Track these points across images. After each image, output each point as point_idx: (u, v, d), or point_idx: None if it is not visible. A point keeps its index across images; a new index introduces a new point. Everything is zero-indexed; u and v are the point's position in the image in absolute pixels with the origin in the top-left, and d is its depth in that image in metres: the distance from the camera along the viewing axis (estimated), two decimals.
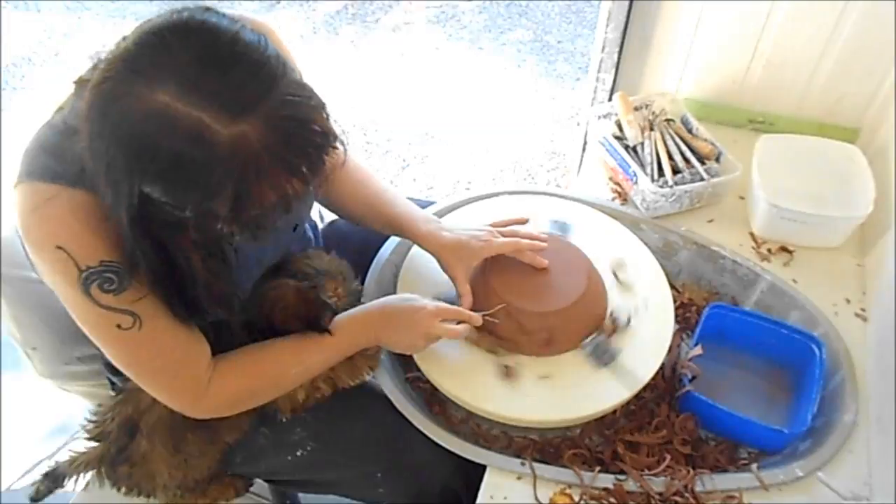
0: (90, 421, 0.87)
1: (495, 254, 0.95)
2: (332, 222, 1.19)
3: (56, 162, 0.69)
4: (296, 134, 0.63)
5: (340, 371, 0.90)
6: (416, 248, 1.05)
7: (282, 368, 0.84)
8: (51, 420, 1.61)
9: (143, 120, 0.59)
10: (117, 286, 0.70)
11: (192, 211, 0.63)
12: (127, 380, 0.93)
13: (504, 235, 0.97)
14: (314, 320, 0.83)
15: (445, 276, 0.99)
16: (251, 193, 0.63)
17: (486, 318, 0.90)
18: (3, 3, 3.19)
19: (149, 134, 0.59)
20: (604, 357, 0.92)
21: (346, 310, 0.89)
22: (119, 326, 0.71)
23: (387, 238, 1.10)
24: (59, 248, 0.68)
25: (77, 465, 0.85)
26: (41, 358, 1.00)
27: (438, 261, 0.98)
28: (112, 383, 0.99)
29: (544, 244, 0.97)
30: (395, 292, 1.00)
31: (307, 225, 1.05)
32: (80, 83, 0.73)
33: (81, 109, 0.64)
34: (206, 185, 0.61)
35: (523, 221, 1.03)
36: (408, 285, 1.01)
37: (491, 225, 1.00)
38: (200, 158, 0.60)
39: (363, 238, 1.10)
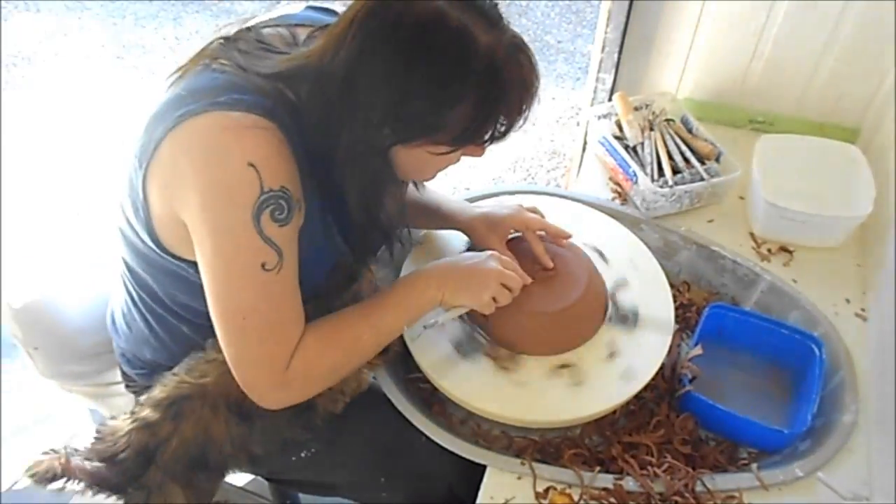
0: (97, 439, 0.85)
1: (524, 226, 0.96)
2: None
3: (247, 95, 0.71)
4: (529, 62, 0.74)
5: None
6: (416, 249, 1.05)
7: (357, 336, 0.82)
8: (51, 420, 1.61)
9: (417, 21, 0.67)
10: (286, 216, 0.71)
11: (434, 118, 0.70)
12: (146, 375, 0.94)
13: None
14: None
15: None
16: (491, 105, 0.72)
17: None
18: (3, 2, 3.19)
19: (421, 34, 0.67)
20: (627, 321, 0.94)
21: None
22: (263, 266, 0.72)
23: None
24: (252, 165, 0.68)
25: (87, 481, 0.83)
26: (43, 358, 1.00)
27: (471, 236, 0.99)
28: (125, 376, 0.99)
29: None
30: None
31: None
32: (228, 40, 0.78)
33: (334, 28, 0.71)
34: (459, 85, 0.69)
35: (565, 236, 1.00)
36: None
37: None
38: (462, 58, 0.68)
39: None
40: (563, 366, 0.91)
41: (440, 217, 1.01)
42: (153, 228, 0.77)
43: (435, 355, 0.91)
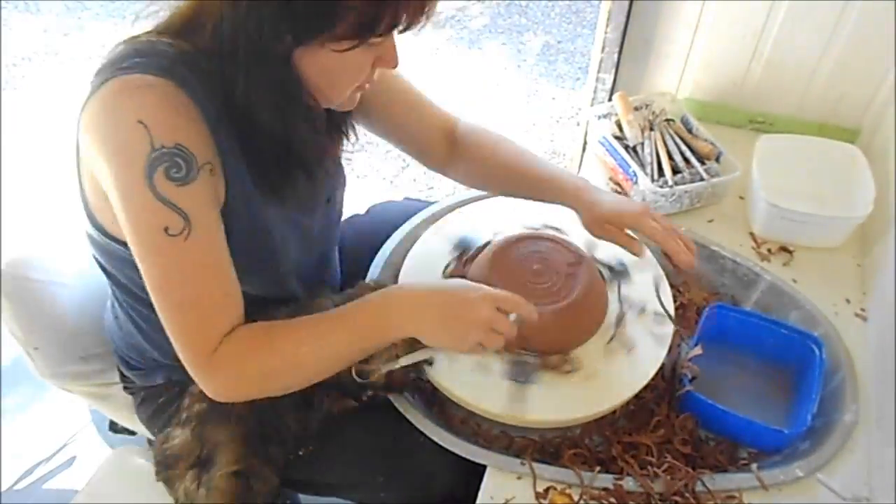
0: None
1: (649, 232, 0.88)
2: (347, 219, 1.18)
3: (146, 59, 0.70)
4: None
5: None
6: (416, 248, 1.05)
7: (296, 345, 0.76)
8: (50, 420, 1.61)
9: None
10: (184, 174, 0.68)
11: (326, 7, 0.65)
12: (143, 375, 0.94)
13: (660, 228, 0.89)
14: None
15: (445, 279, 0.99)
16: None
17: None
18: (3, 3, 3.19)
19: None
20: (622, 274, 0.98)
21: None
22: (166, 230, 0.69)
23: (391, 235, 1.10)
24: (140, 122, 0.66)
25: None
26: (43, 358, 0.99)
27: (577, 212, 0.94)
28: (123, 377, 0.99)
29: (692, 250, 0.90)
30: None
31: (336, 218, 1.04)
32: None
33: None
34: None
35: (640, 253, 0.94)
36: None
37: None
38: None
39: (370, 237, 1.10)
40: (610, 340, 0.93)
41: (556, 195, 0.95)
42: (92, 213, 0.78)
43: (503, 398, 0.88)
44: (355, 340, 0.77)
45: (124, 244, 0.76)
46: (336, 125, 0.89)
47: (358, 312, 0.78)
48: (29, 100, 2.71)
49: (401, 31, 0.72)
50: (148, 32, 0.74)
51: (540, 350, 0.92)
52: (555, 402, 0.88)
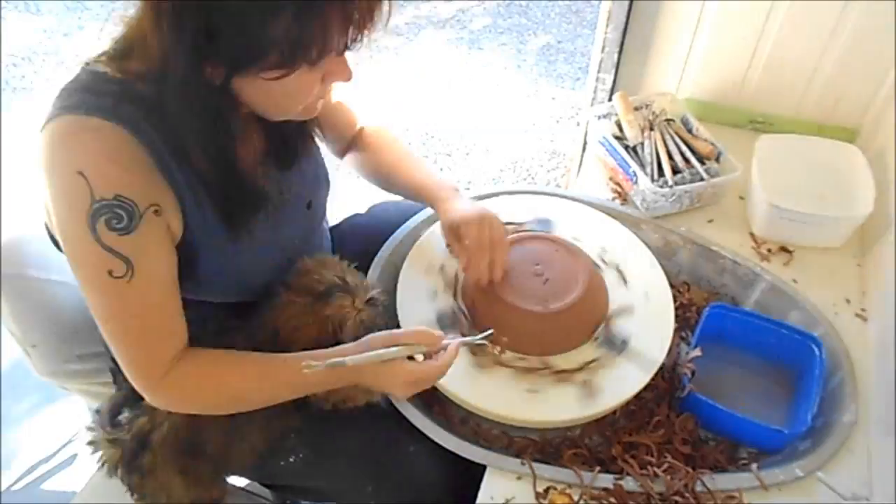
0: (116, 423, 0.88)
1: (476, 244, 0.92)
2: (339, 223, 1.19)
3: (92, 97, 0.69)
4: None
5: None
6: (415, 249, 1.05)
7: (243, 389, 0.81)
8: (51, 420, 1.60)
9: None
10: (125, 225, 0.69)
11: (252, 39, 0.63)
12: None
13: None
14: (326, 341, 0.82)
15: (444, 278, 0.99)
16: (312, 13, 0.62)
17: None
18: (3, 3, 3.19)
19: None
20: (617, 345, 0.93)
21: (359, 325, 0.85)
22: (110, 273, 0.70)
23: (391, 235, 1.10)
24: (80, 173, 0.67)
25: (100, 459, 0.86)
26: (41, 356, 0.99)
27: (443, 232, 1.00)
28: (115, 377, 0.99)
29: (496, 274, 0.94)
30: (395, 293, 1.00)
31: (323, 222, 1.05)
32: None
33: None
34: None
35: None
36: (407, 286, 1.01)
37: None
38: None
39: (370, 237, 1.10)
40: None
41: (423, 199, 1.02)
42: (53, 233, 0.78)
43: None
44: (298, 389, 0.83)
45: None
46: (291, 136, 0.86)
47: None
48: (29, 100, 2.71)
49: (341, 52, 0.69)
50: (99, 56, 0.73)
51: (526, 349, 0.93)
52: (484, 390, 0.88)
